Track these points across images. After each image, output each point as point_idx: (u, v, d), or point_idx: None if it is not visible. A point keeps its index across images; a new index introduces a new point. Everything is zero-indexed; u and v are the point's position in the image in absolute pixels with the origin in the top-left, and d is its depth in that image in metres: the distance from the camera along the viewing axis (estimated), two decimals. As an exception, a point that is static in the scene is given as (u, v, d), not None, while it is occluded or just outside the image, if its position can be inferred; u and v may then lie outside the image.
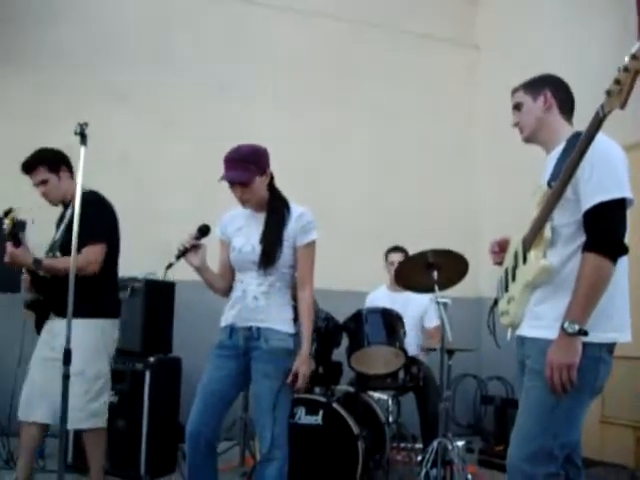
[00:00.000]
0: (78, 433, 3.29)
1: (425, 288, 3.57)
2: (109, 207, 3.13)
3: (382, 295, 4.42)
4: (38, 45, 5.12)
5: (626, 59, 1.65)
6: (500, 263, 2.35)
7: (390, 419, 3.86)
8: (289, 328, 2.61)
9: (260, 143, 2.68)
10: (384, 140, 5.90)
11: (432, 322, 4.24)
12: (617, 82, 1.69)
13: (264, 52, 5.65)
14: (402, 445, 4.07)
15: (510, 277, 2.21)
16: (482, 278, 4.59)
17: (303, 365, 2.54)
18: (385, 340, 3.65)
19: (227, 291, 2.75)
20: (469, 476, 3.43)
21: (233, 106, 5.43)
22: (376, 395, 3.92)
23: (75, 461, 3.73)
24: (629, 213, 1.97)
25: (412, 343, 3.98)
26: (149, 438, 3.75)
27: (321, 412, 3.40)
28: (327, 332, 3.64)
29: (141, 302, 3.95)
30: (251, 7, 5.69)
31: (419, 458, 3.64)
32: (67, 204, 3.10)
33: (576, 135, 2.02)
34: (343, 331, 3.76)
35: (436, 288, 3.42)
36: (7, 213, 2.82)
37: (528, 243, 2.09)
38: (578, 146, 1.86)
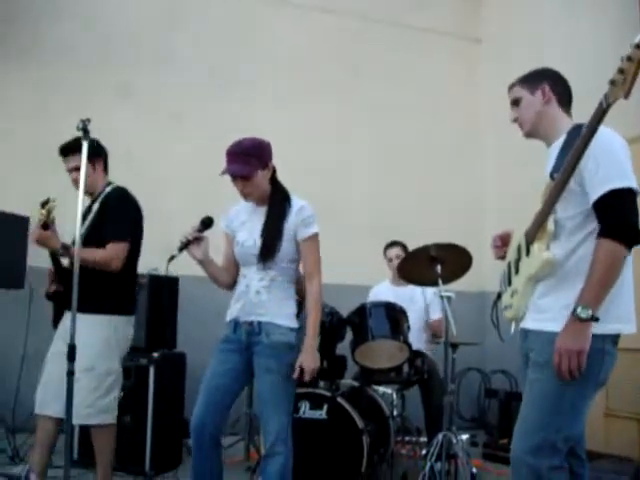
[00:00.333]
0: (84, 429, 3.29)
1: (429, 282, 3.56)
2: (135, 204, 3.12)
3: (385, 289, 4.43)
4: (40, 42, 5.12)
5: (630, 48, 1.64)
6: (502, 257, 2.34)
7: (394, 413, 3.86)
8: (291, 322, 2.60)
9: (261, 139, 2.67)
10: (386, 135, 5.88)
11: (436, 314, 4.24)
12: (621, 72, 1.68)
13: (265, 50, 5.65)
14: (407, 439, 4.07)
15: (513, 270, 2.20)
16: (485, 272, 4.57)
17: (307, 359, 2.52)
18: (389, 334, 3.65)
19: (231, 285, 2.74)
20: (474, 469, 3.42)
21: (234, 103, 5.43)
22: (380, 389, 3.93)
23: (81, 457, 3.75)
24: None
25: (416, 337, 3.98)
26: (154, 433, 3.76)
27: (325, 406, 3.41)
28: (331, 326, 3.65)
29: (145, 297, 3.95)
30: (252, 5, 5.69)
31: (424, 452, 3.65)
32: (95, 198, 3.09)
33: (576, 127, 2.02)
34: (347, 325, 3.77)
35: (440, 282, 3.42)
36: (45, 204, 2.78)
37: (531, 236, 2.08)
38: (581, 137, 1.85)
